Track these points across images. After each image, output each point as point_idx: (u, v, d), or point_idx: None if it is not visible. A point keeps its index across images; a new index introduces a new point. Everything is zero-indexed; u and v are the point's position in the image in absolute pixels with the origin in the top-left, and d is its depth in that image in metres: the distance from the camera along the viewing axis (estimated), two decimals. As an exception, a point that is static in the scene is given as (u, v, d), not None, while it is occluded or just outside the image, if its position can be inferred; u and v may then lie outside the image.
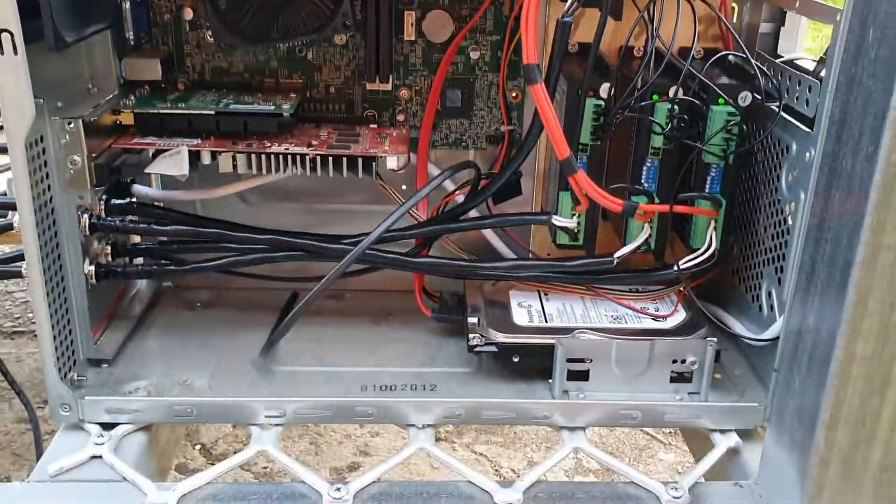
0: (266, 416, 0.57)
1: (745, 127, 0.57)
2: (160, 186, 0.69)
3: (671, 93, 0.55)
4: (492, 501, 0.51)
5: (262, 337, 0.63)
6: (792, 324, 0.50)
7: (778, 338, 0.56)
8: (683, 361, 0.58)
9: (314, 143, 0.60)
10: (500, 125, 0.68)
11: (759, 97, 0.56)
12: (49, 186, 0.53)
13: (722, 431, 0.58)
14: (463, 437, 1.08)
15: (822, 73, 0.51)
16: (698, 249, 0.60)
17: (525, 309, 0.63)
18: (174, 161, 0.58)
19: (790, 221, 0.55)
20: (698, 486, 0.53)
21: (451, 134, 0.69)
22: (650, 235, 0.60)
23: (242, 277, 0.68)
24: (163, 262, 0.64)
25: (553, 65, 0.54)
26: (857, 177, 0.42)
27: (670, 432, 1.09)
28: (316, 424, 1.07)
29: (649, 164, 0.58)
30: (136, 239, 0.65)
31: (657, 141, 0.57)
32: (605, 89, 0.56)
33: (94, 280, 0.58)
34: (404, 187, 0.69)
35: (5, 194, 0.70)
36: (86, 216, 0.57)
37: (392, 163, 0.60)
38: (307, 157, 0.59)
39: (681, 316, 0.62)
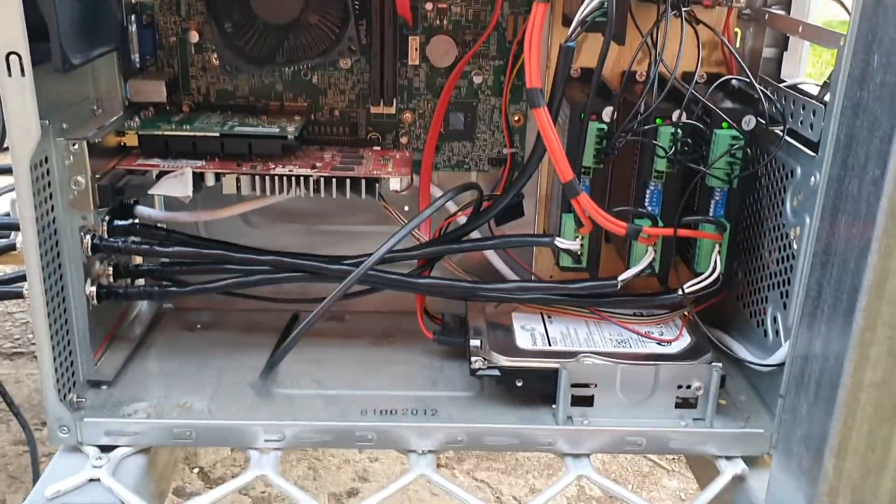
0: (265, 441, 0.56)
1: (749, 151, 0.57)
2: (163, 207, 0.69)
3: (674, 116, 0.56)
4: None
5: (263, 359, 0.62)
6: (798, 349, 0.49)
7: (783, 363, 0.55)
8: (689, 387, 0.57)
9: (318, 165, 0.61)
10: (502, 148, 0.68)
11: (763, 121, 0.56)
12: (52, 207, 0.53)
13: (728, 458, 0.57)
14: (463, 464, 1.07)
15: (827, 98, 0.51)
16: (702, 273, 0.59)
17: (528, 332, 0.62)
18: (178, 182, 0.58)
19: (795, 246, 0.55)
20: (704, 513, 0.52)
21: (453, 156, 0.69)
22: (654, 259, 0.59)
23: (244, 299, 0.67)
24: (164, 283, 0.64)
25: (556, 89, 0.54)
26: (863, 201, 0.42)
27: (673, 458, 1.08)
28: (315, 448, 1.06)
29: (653, 188, 0.58)
30: (138, 260, 0.65)
31: (661, 164, 0.57)
32: (608, 113, 0.56)
33: (95, 301, 0.58)
34: (407, 209, 0.68)
35: (8, 214, 0.70)
36: (88, 237, 0.56)
37: (395, 184, 0.60)
38: (311, 179, 0.59)
39: (685, 340, 0.62)
